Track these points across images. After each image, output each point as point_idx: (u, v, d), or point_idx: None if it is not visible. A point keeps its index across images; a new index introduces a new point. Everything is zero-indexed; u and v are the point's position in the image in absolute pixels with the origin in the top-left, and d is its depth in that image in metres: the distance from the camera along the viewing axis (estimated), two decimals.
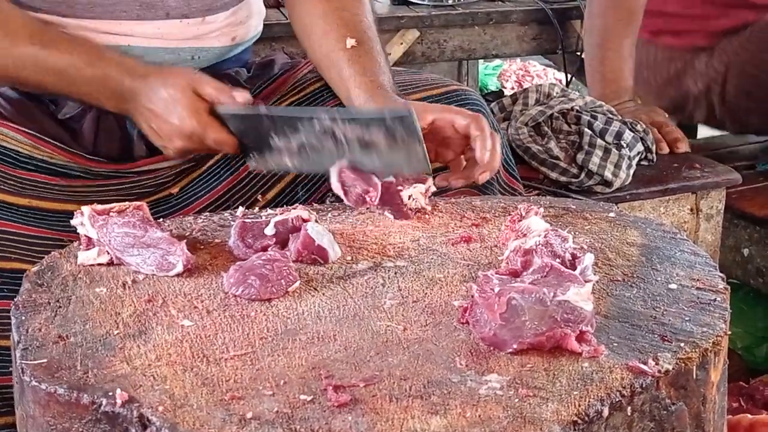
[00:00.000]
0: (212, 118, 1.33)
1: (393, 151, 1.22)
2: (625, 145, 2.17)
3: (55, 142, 1.41)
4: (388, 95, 1.40)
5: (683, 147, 2.33)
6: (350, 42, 1.46)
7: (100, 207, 1.15)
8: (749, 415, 1.61)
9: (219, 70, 1.57)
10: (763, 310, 2.34)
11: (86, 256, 1.13)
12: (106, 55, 1.38)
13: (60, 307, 1.02)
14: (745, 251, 2.37)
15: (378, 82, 1.43)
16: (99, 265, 1.12)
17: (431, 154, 1.30)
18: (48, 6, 1.42)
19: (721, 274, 1.09)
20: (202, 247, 1.18)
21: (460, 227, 1.23)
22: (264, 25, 1.73)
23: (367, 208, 1.26)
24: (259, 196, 1.47)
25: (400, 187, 1.25)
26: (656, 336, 0.95)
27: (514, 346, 0.92)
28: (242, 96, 1.34)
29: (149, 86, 1.34)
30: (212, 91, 1.33)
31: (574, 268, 1.01)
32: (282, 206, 1.37)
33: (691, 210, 2.25)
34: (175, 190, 1.47)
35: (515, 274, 1.00)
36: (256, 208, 1.32)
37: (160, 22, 1.47)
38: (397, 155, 1.23)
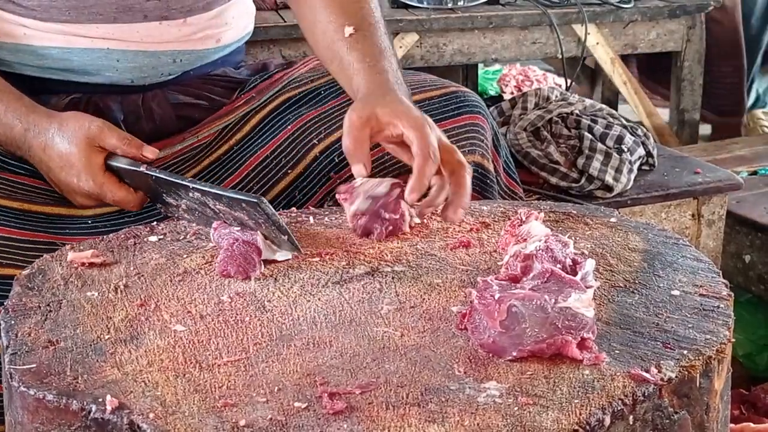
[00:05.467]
0: (109, 175, 1.28)
1: (260, 230, 1.15)
2: (626, 150, 2.16)
3: None
4: (386, 84, 1.33)
5: None
6: (348, 30, 1.41)
7: None
8: (752, 424, 1.59)
9: (204, 73, 1.55)
10: (765, 318, 2.33)
11: (80, 255, 1.11)
12: (1, 97, 1.33)
13: (50, 311, 1.01)
14: (747, 258, 2.36)
15: (378, 67, 1.36)
16: (91, 266, 1.11)
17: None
18: (23, 11, 1.40)
19: (724, 281, 1.07)
20: (196, 250, 1.16)
21: (458, 232, 1.22)
22: (262, 27, 1.71)
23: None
24: None
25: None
26: (659, 343, 0.93)
27: (514, 354, 0.90)
28: (150, 152, 1.29)
29: (43, 137, 1.29)
30: (116, 142, 1.28)
31: (575, 274, 0.99)
32: (279, 209, 1.36)
33: (693, 216, 2.24)
34: None
35: (515, 280, 0.98)
36: None
37: (138, 24, 1.44)
38: (266, 236, 1.15)
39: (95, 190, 1.28)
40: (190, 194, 1.20)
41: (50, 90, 1.47)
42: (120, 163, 1.28)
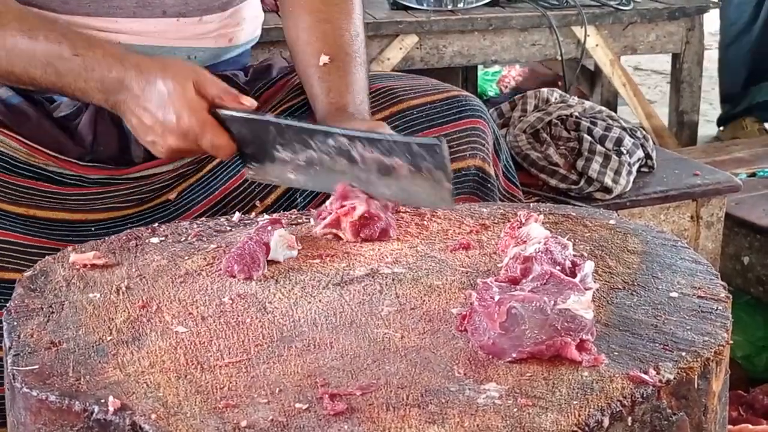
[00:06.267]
0: (212, 119, 1.25)
1: (415, 181, 1.13)
2: (625, 152, 2.16)
3: (48, 151, 1.40)
4: (344, 116, 1.36)
5: None
6: (323, 59, 1.45)
7: None
8: (750, 426, 1.59)
9: (215, 71, 1.56)
10: (763, 319, 2.33)
11: (82, 257, 1.12)
12: (94, 43, 1.31)
13: (53, 312, 1.01)
14: (745, 259, 2.36)
15: (340, 103, 1.40)
16: (93, 267, 1.11)
17: None
18: (42, 2, 1.41)
19: (722, 283, 1.08)
20: (197, 252, 1.16)
21: (458, 234, 1.22)
22: (263, 29, 1.72)
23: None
24: (257, 202, 1.46)
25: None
26: (657, 345, 0.94)
27: (514, 355, 0.90)
28: (249, 101, 1.27)
29: (144, 78, 1.26)
30: (217, 92, 1.26)
31: (574, 276, 0.99)
32: (280, 212, 1.36)
33: (692, 217, 2.24)
34: (172, 195, 1.45)
35: (514, 282, 0.99)
36: (253, 214, 1.30)
37: (156, 20, 1.46)
38: (419, 187, 1.13)
39: (196, 129, 1.23)
40: (330, 141, 1.16)
41: None
42: (232, 113, 1.24)
